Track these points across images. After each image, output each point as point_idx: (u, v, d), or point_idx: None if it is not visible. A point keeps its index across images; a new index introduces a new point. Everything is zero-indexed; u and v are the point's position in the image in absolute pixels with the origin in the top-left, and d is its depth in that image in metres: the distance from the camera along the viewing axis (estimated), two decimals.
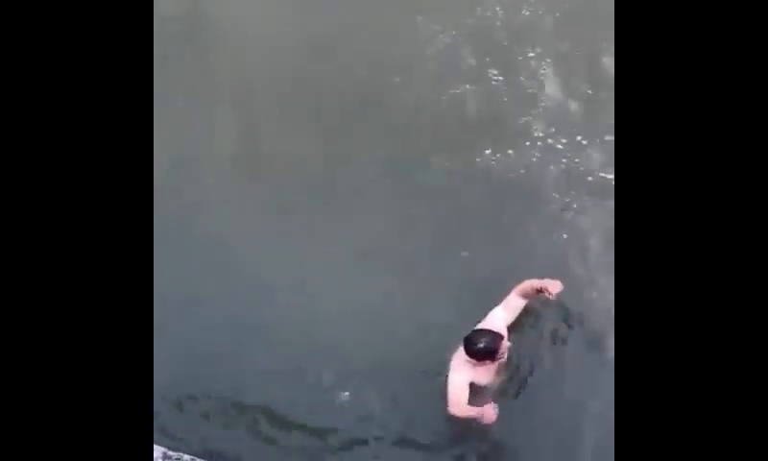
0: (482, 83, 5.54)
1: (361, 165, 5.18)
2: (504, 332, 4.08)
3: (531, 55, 5.66)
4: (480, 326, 4.10)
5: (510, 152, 5.19)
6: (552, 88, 5.49)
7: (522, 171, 5.13)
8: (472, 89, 5.52)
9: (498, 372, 4.19)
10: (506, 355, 4.09)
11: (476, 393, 4.09)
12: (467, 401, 4.03)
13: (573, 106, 5.41)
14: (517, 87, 5.53)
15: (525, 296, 4.24)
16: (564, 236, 4.83)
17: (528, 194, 5.05)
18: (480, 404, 4.01)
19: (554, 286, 4.15)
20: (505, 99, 5.48)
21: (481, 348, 3.95)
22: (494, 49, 5.72)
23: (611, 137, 5.00)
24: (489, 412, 3.96)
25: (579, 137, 5.26)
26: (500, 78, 5.54)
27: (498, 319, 4.16)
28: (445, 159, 5.21)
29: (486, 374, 4.11)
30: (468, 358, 4.04)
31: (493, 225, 4.91)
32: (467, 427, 4.10)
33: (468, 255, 4.77)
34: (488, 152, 5.20)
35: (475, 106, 5.47)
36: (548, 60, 5.60)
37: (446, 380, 4.10)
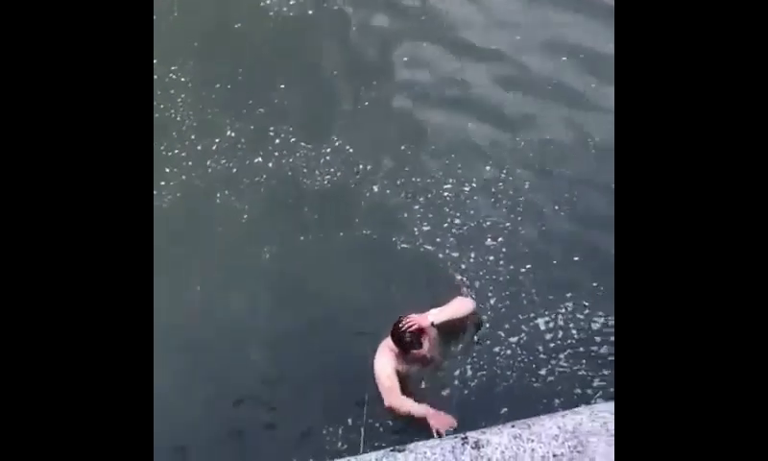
0: None
1: None
2: (430, 328, 3.87)
3: None
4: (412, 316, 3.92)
5: None
6: None
7: None
8: None
9: (425, 364, 3.94)
10: (432, 350, 3.87)
11: (403, 382, 3.86)
12: (399, 390, 3.79)
13: None
14: None
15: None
16: None
17: None
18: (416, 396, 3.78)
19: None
20: None
21: (406, 338, 3.78)
22: None
23: None
24: (443, 420, 3.54)
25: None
26: None
27: (431, 314, 3.93)
28: None
29: (411, 364, 3.88)
30: (392, 347, 3.86)
31: None
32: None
33: None
34: None
35: None
36: None
37: (373, 366, 3.88)
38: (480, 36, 5.65)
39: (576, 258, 4.26)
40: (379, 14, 6.00)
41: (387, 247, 4.51)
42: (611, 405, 2.89)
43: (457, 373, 3.91)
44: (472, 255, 4.37)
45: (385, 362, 3.85)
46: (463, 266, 4.33)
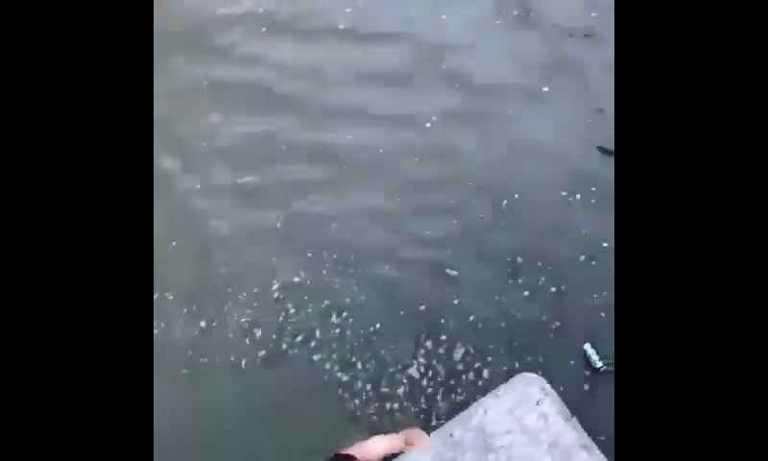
0: None
1: None
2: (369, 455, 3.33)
3: None
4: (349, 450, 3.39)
5: None
6: None
7: None
8: None
9: None
10: None
11: None
12: None
13: None
14: None
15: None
16: None
17: None
18: None
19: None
20: None
21: None
22: None
23: None
24: None
25: None
26: None
27: (371, 444, 3.41)
28: None
29: None
30: None
31: None
32: None
33: None
34: None
35: None
36: None
37: None
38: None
39: (422, 307, 4.20)
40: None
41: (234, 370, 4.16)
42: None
43: None
44: (318, 333, 4.16)
45: None
46: (312, 344, 4.09)
